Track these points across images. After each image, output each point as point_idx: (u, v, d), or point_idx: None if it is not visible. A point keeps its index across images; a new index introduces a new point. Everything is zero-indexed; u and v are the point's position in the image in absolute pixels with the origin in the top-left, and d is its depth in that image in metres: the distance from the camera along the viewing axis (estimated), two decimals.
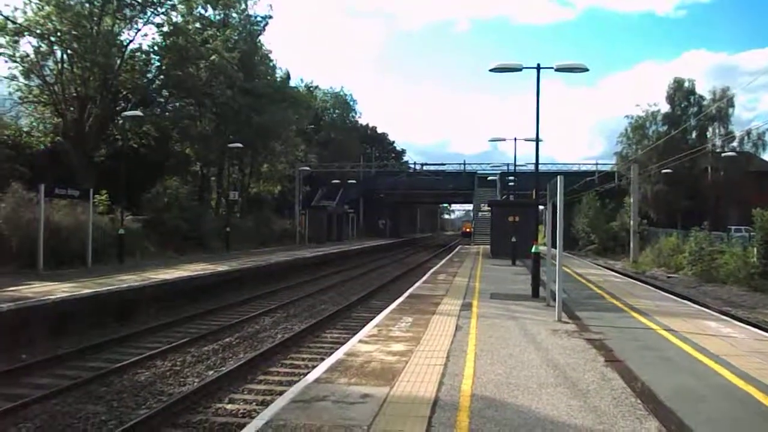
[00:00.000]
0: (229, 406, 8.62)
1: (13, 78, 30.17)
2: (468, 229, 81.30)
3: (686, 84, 51.79)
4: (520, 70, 15.75)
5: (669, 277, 31.75)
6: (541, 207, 32.29)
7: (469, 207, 76.19)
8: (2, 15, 27.73)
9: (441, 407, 6.10)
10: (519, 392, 6.67)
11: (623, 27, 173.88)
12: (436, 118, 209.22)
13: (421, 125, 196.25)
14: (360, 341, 9.45)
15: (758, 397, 6.67)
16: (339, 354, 8.57)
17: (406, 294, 15.96)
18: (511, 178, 48.04)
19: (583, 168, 61.63)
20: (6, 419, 7.82)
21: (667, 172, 45.11)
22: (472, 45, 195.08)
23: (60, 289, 14.71)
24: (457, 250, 43.33)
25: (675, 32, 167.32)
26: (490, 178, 60.69)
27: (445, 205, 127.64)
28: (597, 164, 61.39)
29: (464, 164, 67.59)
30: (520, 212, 30.07)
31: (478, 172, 64.04)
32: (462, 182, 63.21)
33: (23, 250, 18.91)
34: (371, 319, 12.22)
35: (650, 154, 47.95)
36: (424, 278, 20.81)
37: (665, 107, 52.19)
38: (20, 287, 14.75)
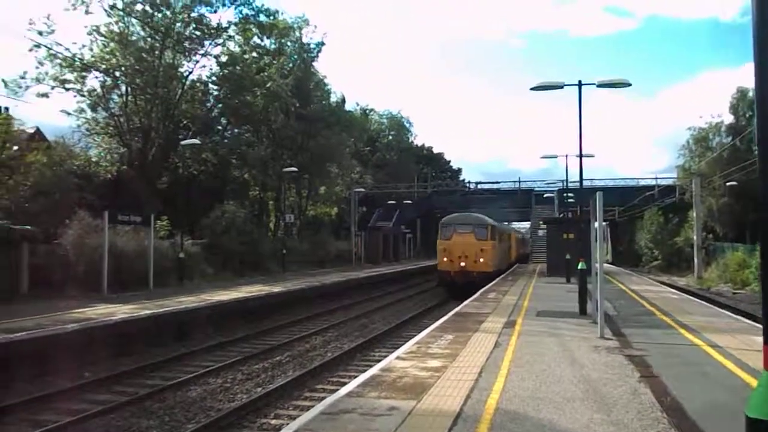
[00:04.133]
0: (273, 421, 9.00)
1: (81, 111, 32.25)
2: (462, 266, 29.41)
3: (750, 93, 50.10)
4: (561, 87, 15.88)
5: (734, 293, 30.69)
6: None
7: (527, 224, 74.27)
8: (71, 54, 29.59)
9: (463, 419, 6.28)
10: (543, 406, 6.78)
11: (685, 35, 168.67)
12: (492, 135, 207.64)
13: (478, 143, 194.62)
14: (397, 357, 9.69)
15: None
16: (374, 370, 8.83)
17: (452, 312, 16.08)
18: (568, 194, 47.33)
19: (642, 183, 60.08)
20: None
21: (733, 184, 43.60)
22: (528, 60, 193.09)
23: (121, 311, 15.54)
24: (513, 269, 42.94)
25: (740, 39, 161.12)
26: (546, 195, 59.91)
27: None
28: (657, 178, 59.74)
29: (519, 181, 66.97)
30: (575, 229, 29.67)
31: (535, 189, 63.23)
32: (518, 200, 62.62)
33: (89, 275, 19.93)
34: None
35: (714, 166, 46.39)
36: (474, 297, 20.84)
37: (729, 118, 50.46)
38: (85, 309, 15.65)
